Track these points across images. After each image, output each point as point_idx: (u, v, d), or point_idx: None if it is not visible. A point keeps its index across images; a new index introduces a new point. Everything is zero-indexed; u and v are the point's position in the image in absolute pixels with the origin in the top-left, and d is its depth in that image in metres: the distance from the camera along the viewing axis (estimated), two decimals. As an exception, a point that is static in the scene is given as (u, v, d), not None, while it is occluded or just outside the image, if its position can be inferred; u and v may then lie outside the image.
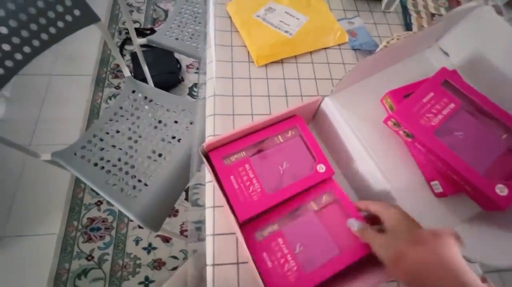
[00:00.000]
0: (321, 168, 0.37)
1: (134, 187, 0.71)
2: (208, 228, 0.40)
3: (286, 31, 0.55)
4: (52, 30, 0.63)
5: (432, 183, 0.35)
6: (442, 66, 0.39)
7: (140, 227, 1.08)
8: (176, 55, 1.36)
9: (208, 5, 0.60)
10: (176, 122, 0.82)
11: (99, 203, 1.11)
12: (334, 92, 0.40)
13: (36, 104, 1.25)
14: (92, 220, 1.08)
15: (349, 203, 0.35)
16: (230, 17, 0.57)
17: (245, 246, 0.31)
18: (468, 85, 0.37)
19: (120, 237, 1.06)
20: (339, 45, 0.57)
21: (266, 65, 0.53)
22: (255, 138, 0.39)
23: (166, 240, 1.08)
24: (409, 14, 0.64)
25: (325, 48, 0.56)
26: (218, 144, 0.38)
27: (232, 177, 0.37)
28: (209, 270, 0.37)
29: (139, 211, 0.68)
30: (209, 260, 0.38)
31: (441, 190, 0.34)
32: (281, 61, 0.54)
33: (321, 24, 0.57)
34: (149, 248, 1.05)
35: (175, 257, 1.05)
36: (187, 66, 1.41)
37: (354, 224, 0.33)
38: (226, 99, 0.49)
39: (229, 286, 0.36)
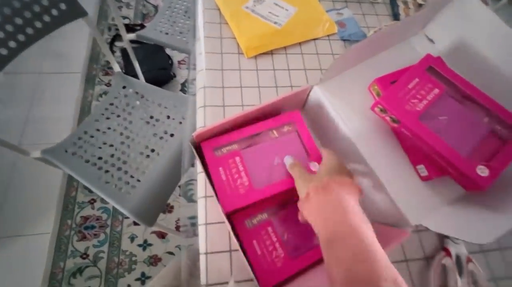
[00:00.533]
0: (314, 166, 0.37)
1: (127, 183, 0.71)
2: (201, 218, 0.40)
3: (275, 22, 0.55)
4: (38, 24, 0.62)
5: (418, 167, 0.36)
6: (427, 53, 0.40)
7: (135, 224, 1.08)
8: (168, 51, 1.35)
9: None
10: (168, 117, 0.81)
11: (92, 201, 1.10)
12: (322, 80, 0.40)
13: (25, 103, 1.23)
14: (86, 218, 1.07)
15: None
16: (219, 9, 0.57)
17: (232, 234, 0.32)
18: (452, 71, 0.38)
19: (115, 234, 1.06)
20: (328, 36, 0.58)
21: (255, 57, 0.53)
22: (249, 131, 0.38)
23: (162, 236, 1.08)
24: (396, 5, 0.65)
25: (314, 39, 0.57)
26: (209, 134, 0.38)
27: (221, 168, 0.37)
28: (202, 258, 0.38)
29: (133, 207, 0.68)
30: (202, 249, 0.38)
31: (426, 173, 0.34)
32: (270, 52, 0.54)
33: (310, 15, 0.57)
34: (145, 245, 1.05)
35: (171, 253, 1.05)
36: (179, 62, 1.40)
37: (288, 160, 0.36)
38: (216, 90, 0.49)
39: (222, 273, 0.37)
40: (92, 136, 0.76)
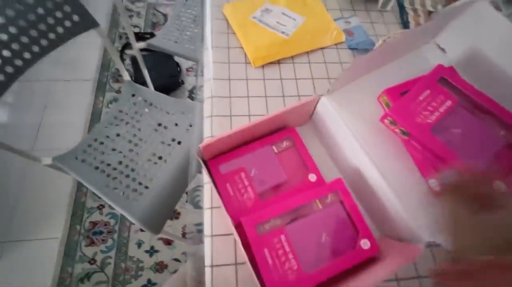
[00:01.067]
0: (365, 244, 0.33)
1: (135, 190, 0.71)
2: (206, 229, 0.39)
3: (282, 32, 0.55)
4: (52, 35, 0.64)
5: (430, 181, 0.34)
6: (438, 63, 0.39)
7: (142, 230, 1.09)
8: (176, 59, 1.37)
9: (205, 8, 0.60)
10: (176, 124, 0.82)
11: (101, 207, 1.12)
12: (330, 91, 0.40)
13: (38, 110, 1.26)
14: (94, 224, 1.08)
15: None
16: (226, 19, 0.57)
17: (239, 244, 0.31)
18: (464, 81, 0.37)
19: (122, 240, 1.07)
20: (336, 44, 0.57)
21: (263, 66, 0.53)
22: (289, 204, 0.35)
23: (168, 242, 1.08)
24: (406, 12, 0.64)
25: (322, 48, 0.57)
26: (216, 147, 0.38)
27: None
28: (207, 271, 0.37)
29: (140, 214, 0.68)
30: (207, 261, 0.38)
31: (438, 188, 0.33)
32: (277, 62, 0.54)
33: (318, 24, 0.57)
34: (151, 251, 1.06)
35: (177, 260, 1.05)
36: (187, 69, 1.42)
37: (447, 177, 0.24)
38: (224, 100, 0.49)
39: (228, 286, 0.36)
40: (101, 143, 0.77)
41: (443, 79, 0.37)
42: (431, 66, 0.39)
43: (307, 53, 0.56)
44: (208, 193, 0.42)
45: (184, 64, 1.41)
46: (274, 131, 0.42)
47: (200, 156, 0.37)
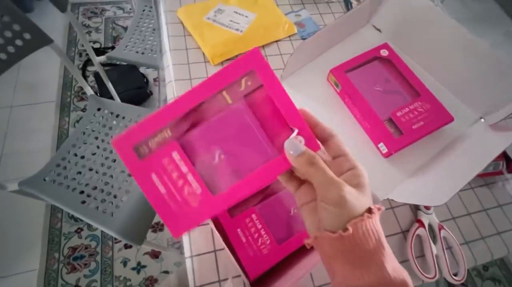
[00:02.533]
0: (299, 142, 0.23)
1: (111, 204, 0.70)
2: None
3: (236, 29, 0.57)
4: (3, 56, 0.62)
5: (379, 145, 0.38)
6: (376, 41, 0.43)
7: (126, 247, 1.05)
8: (142, 70, 1.36)
9: (159, 14, 0.62)
10: None
11: (79, 231, 1.07)
12: (283, 77, 0.43)
13: (-2, 138, 1.19)
14: (74, 249, 1.04)
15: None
16: (181, 23, 0.59)
17: (215, 232, 0.32)
18: (396, 54, 0.41)
19: (106, 261, 1.03)
20: (289, 36, 0.61)
21: (222, 63, 0.55)
22: (183, 106, 0.23)
23: (155, 255, 1.06)
24: (350, 2, 0.69)
25: (276, 41, 0.60)
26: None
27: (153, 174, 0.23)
28: (188, 262, 0.38)
29: (120, 227, 0.67)
30: (187, 252, 0.39)
31: (386, 150, 0.37)
32: (235, 58, 0.56)
33: (269, 19, 0.61)
34: (139, 267, 1.03)
35: (166, 272, 1.03)
36: (154, 80, 1.41)
37: (295, 146, 0.21)
38: (187, 99, 0.50)
39: (209, 274, 0.37)
40: (70, 162, 0.75)
41: (379, 56, 0.41)
42: (370, 45, 0.44)
43: (263, 46, 0.59)
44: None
45: (151, 75, 1.40)
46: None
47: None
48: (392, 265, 0.20)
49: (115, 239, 1.07)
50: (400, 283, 0.19)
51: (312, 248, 0.32)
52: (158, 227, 1.11)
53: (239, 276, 0.38)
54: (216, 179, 0.23)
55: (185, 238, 0.40)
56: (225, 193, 0.22)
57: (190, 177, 0.23)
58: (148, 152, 0.22)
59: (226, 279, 0.37)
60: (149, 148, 0.23)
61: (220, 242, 0.35)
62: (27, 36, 0.64)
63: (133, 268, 1.02)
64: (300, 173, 0.23)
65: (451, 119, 0.39)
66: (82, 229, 1.07)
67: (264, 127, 0.23)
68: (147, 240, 0.72)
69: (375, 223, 0.20)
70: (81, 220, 1.08)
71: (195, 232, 0.40)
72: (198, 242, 0.39)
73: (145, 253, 1.05)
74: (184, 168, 0.23)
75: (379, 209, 0.21)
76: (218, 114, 0.23)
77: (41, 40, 0.66)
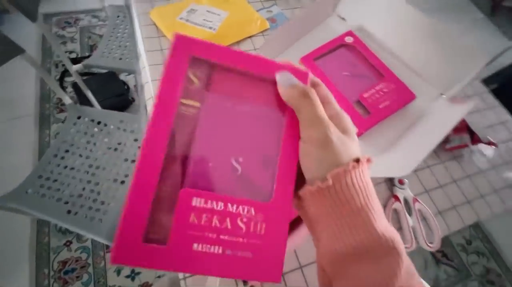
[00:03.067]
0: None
1: (98, 210, 0.70)
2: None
3: (210, 27, 0.59)
4: (-27, 69, 0.60)
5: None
6: (342, 30, 0.45)
7: (118, 255, 1.04)
8: (122, 77, 1.34)
9: (133, 17, 0.62)
10: (136, 140, 0.81)
11: (68, 243, 1.05)
12: (256, 69, 0.44)
13: (-25, 157, 1.15)
14: (64, 262, 1.02)
15: None
16: (155, 24, 0.60)
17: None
18: (360, 40, 0.44)
19: (99, 271, 1.01)
20: (262, 32, 0.63)
21: (197, 61, 0.56)
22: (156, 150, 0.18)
23: (149, 261, 1.05)
24: (319, -4, 0.72)
25: (250, 37, 0.61)
26: None
27: None
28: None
29: (109, 233, 0.67)
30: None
31: (357, 130, 0.39)
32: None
33: (241, 16, 0.62)
34: (133, 275, 1.02)
35: (161, 277, 1.02)
36: (135, 86, 1.40)
37: (288, 78, 0.20)
38: (165, 98, 0.51)
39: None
40: (52, 172, 0.74)
41: (345, 43, 0.44)
42: (336, 33, 0.46)
43: (237, 43, 0.60)
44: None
45: (131, 81, 1.39)
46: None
47: None
48: (382, 224, 0.18)
49: (107, 248, 1.05)
50: (389, 243, 0.17)
51: (295, 224, 0.33)
52: (150, 233, 1.10)
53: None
54: (254, 184, 0.19)
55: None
56: (278, 193, 0.18)
57: (233, 207, 0.18)
58: (163, 230, 0.17)
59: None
60: (159, 222, 0.17)
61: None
62: (-3, 47, 0.63)
63: (127, 276, 1.01)
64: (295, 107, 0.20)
65: (414, 97, 0.41)
66: (71, 242, 1.05)
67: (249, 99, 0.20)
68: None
69: (362, 176, 0.18)
70: (70, 233, 1.06)
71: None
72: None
73: (139, 260, 1.04)
74: (219, 204, 0.18)
75: (368, 160, 0.19)
76: (199, 125, 0.19)
77: (12, 50, 0.65)
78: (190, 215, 0.17)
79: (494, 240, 1.20)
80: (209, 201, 0.17)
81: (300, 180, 0.19)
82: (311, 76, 0.21)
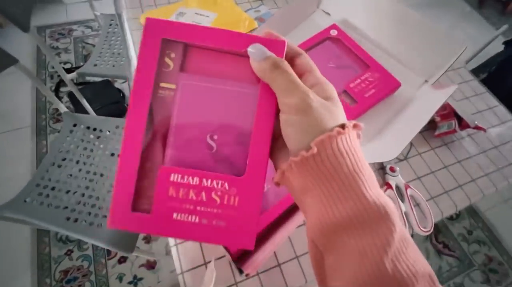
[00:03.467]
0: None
1: (97, 215, 0.70)
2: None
3: (199, 29, 0.60)
4: (-33, 80, 0.61)
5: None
6: (327, 24, 0.47)
7: (120, 262, 1.04)
8: (117, 85, 1.35)
9: (123, 22, 0.63)
10: None
11: (69, 253, 1.05)
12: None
13: (-27, 171, 1.15)
14: (65, 272, 1.01)
15: None
16: (145, 28, 0.61)
17: None
18: (344, 33, 0.45)
19: (101, 279, 1.01)
20: (250, 31, 0.64)
21: (188, 62, 0.57)
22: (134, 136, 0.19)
23: (151, 267, 1.05)
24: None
25: (239, 37, 0.63)
26: None
27: None
28: (173, 250, 0.39)
29: (109, 237, 0.67)
30: (171, 241, 0.40)
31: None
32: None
33: (230, 17, 0.64)
34: (135, 281, 1.02)
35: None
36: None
37: (260, 51, 0.19)
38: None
39: (195, 258, 0.39)
40: (50, 180, 0.74)
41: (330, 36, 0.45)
42: (322, 28, 0.47)
43: (227, 43, 0.61)
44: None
45: (126, 89, 1.40)
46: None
47: None
48: (373, 192, 0.17)
49: (108, 255, 1.05)
50: (380, 210, 0.17)
51: (290, 214, 0.34)
52: (151, 238, 1.10)
53: (223, 256, 0.39)
54: (229, 160, 0.20)
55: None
56: (251, 168, 0.19)
57: (207, 182, 0.19)
58: (149, 201, 0.19)
59: (209, 262, 0.39)
60: (144, 197, 0.19)
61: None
62: (-10, 58, 0.64)
63: (130, 282, 1.01)
64: (269, 80, 0.19)
65: (399, 85, 0.42)
66: (72, 251, 1.05)
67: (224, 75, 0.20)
68: (140, 250, 0.72)
69: (349, 142, 0.17)
70: (70, 241, 1.06)
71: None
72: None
73: (141, 266, 1.04)
74: (193, 179, 0.19)
75: (355, 126, 0.18)
76: (176, 106, 0.20)
77: (6, 60, 0.66)
78: (169, 189, 0.19)
79: (495, 228, 1.21)
80: (186, 177, 0.19)
81: (284, 154, 0.19)
82: (290, 44, 0.20)
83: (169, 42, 0.20)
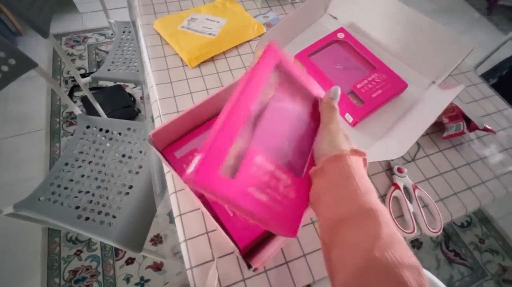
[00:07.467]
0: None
1: (108, 214, 0.71)
2: (175, 211, 0.43)
3: (209, 34, 0.62)
4: (-10, 82, 0.64)
5: (345, 116, 0.42)
6: (334, 28, 0.48)
7: (127, 263, 1.05)
8: (129, 90, 1.39)
9: (137, 28, 0.66)
10: (141, 152, 0.83)
11: (78, 253, 1.06)
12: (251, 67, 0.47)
13: (-10, 171, 1.19)
14: (74, 272, 1.03)
15: None
16: (158, 33, 0.63)
17: (204, 211, 0.34)
18: (350, 35, 0.46)
19: (108, 280, 1.02)
20: (259, 36, 0.66)
21: (199, 65, 0.59)
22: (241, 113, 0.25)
23: (158, 268, 1.05)
24: (313, 1, 0.75)
25: (248, 41, 0.65)
26: (166, 134, 0.41)
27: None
28: (183, 246, 0.40)
29: (118, 236, 0.68)
30: (180, 237, 0.41)
31: (352, 119, 0.41)
32: (211, 59, 0.60)
33: (239, 22, 0.66)
34: (142, 282, 1.02)
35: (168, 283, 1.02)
36: (141, 98, 1.44)
37: (337, 94, 0.28)
38: (169, 100, 0.54)
39: (204, 254, 0.39)
40: (63, 179, 0.77)
41: (337, 38, 0.46)
42: (329, 31, 0.48)
43: (236, 47, 0.63)
44: (170, 179, 0.45)
45: (137, 94, 1.44)
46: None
47: (152, 144, 0.41)
48: (367, 198, 0.23)
49: (116, 256, 1.07)
50: (370, 209, 0.22)
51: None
52: (158, 240, 1.11)
53: (231, 253, 0.40)
54: (293, 161, 0.27)
55: (178, 225, 0.42)
56: (306, 173, 0.26)
57: (279, 173, 0.25)
58: (234, 170, 0.22)
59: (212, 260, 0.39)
60: (231, 165, 0.22)
61: (211, 222, 0.38)
62: (12, 61, 0.68)
63: (137, 284, 1.02)
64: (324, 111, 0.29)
65: (405, 85, 0.43)
66: (81, 251, 1.06)
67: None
68: (147, 250, 0.73)
69: (350, 163, 0.24)
70: (80, 242, 1.08)
71: (187, 218, 0.42)
72: (190, 226, 0.42)
73: (147, 267, 1.05)
74: (271, 166, 0.25)
75: (356, 151, 0.25)
76: (266, 109, 0.27)
77: (26, 64, 0.70)
78: (252, 167, 0.23)
79: (509, 237, 1.17)
80: (266, 163, 0.24)
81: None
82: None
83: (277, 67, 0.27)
